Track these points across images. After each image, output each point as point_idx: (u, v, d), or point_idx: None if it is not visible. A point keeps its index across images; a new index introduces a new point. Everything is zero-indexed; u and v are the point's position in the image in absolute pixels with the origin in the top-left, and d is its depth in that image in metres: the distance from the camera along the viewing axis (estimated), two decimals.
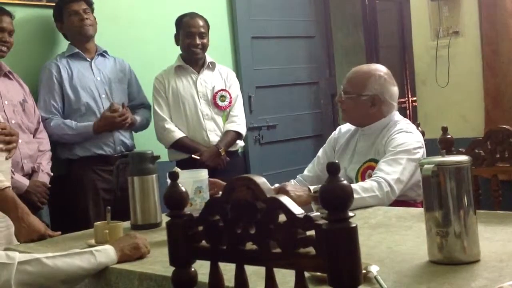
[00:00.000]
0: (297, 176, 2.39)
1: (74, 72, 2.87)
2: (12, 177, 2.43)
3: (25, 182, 2.50)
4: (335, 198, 0.84)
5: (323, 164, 2.33)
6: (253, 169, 3.63)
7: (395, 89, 2.23)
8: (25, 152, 2.54)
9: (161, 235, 1.73)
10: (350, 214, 0.84)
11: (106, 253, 1.43)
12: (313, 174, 2.35)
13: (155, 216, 1.96)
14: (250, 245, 0.96)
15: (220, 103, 3.11)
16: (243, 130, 3.17)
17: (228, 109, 3.13)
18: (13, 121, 2.52)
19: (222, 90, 3.12)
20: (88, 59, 2.94)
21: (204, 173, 1.85)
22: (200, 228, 1.03)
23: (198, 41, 3.05)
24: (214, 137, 3.07)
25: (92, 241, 1.65)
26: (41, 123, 2.72)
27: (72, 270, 1.35)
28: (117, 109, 2.84)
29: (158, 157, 2.03)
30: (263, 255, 0.94)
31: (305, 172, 2.39)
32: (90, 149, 2.85)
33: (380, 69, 2.25)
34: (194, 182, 1.79)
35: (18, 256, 1.31)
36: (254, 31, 3.81)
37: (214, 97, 3.10)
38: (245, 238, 0.96)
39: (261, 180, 0.96)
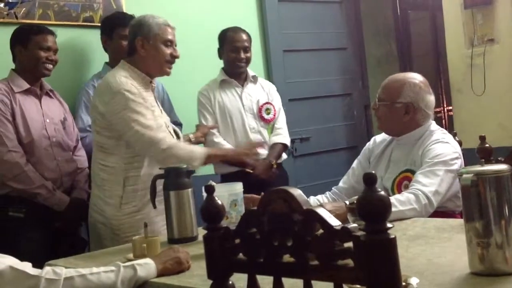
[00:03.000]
0: (332, 188, 2.37)
1: None
2: (54, 194, 2.50)
3: (66, 199, 2.54)
4: (372, 209, 0.83)
5: (358, 176, 2.31)
6: (291, 181, 3.63)
7: (431, 98, 2.20)
8: (65, 170, 2.59)
9: (198, 248, 1.73)
10: (389, 225, 0.83)
11: (147, 267, 1.44)
12: (348, 185, 2.33)
13: (191, 230, 1.97)
14: (287, 258, 0.96)
15: (265, 116, 3.15)
16: (288, 142, 3.22)
17: (272, 122, 3.17)
18: (54, 139, 2.57)
19: (267, 103, 3.18)
20: None
21: (239, 187, 1.86)
22: (237, 241, 1.04)
23: (243, 55, 3.11)
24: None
25: (131, 255, 1.67)
26: (80, 142, 2.77)
27: (116, 286, 1.37)
28: None
29: (193, 171, 2.05)
30: (301, 268, 0.93)
31: (340, 184, 2.37)
32: None
33: (416, 77, 2.23)
34: (230, 195, 1.80)
35: (64, 272, 1.33)
36: (285, 44, 3.82)
37: (260, 110, 3.15)
38: (282, 250, 0.96)
39: (297, 192, 0.96)
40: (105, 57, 3.00)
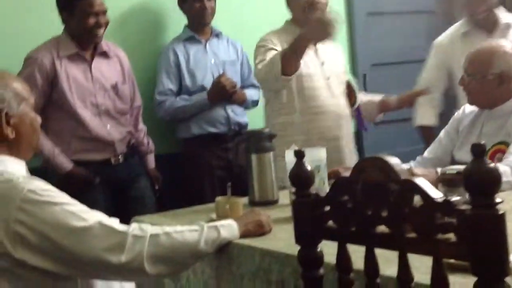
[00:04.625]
0: (417, 158, 2.29)
1: (191, 56, 2.91)
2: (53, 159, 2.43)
3: (69, 165, 2.47)
4: (481, 182, 0.77)
5: (445, 146, 2.21)
6: (367, 150, 3.54)
7: None
8: (116, 137, 2.56)
9: (279, 212, 1.73)
10: (498, 199, 0.77)
11: (230, 229, 1.45)
12: (434, 156, 2.23)
13: (272, 193, 1.96)
14: (381, 228, 0.93)
15: None
16: None
17: None
18: (103, 107, 2.51)
19: None
20: (202, 42, 2.96)
21: (322, 153, 1.82)
22: (327, 208, 1.01)
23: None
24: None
25: (214, 216, 1.69)
26: (137, 108, 2.71)
27: (199, 245, 1.38)
28: (224, 75, 2.87)
29: (274, 135, 2.03)
30: (397, 240, 0.90)
31: (425, 154, 2.28)
32: (205, 128, 2.90)
33: (505, 44, 2.08)
34: (313, 161, 1.76)
35: (150, 229, 1.35)
36: (370, 7, 3.68)
37: None
38: (376, 220, 0.93)
39: (394, 161, 0.92)
40: (185, 20, 3.00)
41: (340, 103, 2.61)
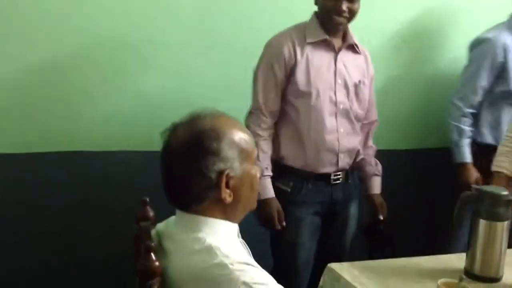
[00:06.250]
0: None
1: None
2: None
3: (270, 193, 2.11)
4: None
5: None
6: None
7: None
8: (344, 145, 2.14)
9: None
10: None
11: None
12: None
13: (497, 270, 1.69)
14: None
15: None
16: None
17: None
18: (341, 106, 2.13)
19: None
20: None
21: None
22: None
23: None
24: None
25: None
26: (373, 122, 2.32)
27: None
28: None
29: None
30: None
31: None
32: None
33: None
34: None
35: None
36: None
37: None
38: None
39: None
40: None
41: None
